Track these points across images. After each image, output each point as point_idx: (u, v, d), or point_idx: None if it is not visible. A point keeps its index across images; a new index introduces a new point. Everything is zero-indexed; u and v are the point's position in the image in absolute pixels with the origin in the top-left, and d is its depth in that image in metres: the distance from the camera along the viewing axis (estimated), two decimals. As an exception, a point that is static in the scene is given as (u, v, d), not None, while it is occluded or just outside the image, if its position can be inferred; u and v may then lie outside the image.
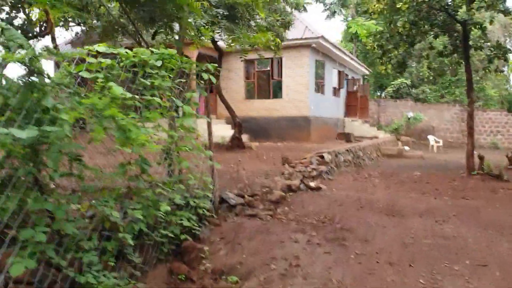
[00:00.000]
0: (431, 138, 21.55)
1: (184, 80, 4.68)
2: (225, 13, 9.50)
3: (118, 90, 3.23)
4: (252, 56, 12.41)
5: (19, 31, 14.97)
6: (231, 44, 10.78)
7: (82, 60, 3.35)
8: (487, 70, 12.79)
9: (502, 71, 17.06)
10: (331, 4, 33.22)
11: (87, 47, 3.45)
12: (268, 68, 17.37)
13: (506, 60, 12.33)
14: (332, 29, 73.89)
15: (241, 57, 11.50)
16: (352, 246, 4.89)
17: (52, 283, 2.93)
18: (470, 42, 12.22)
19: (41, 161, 3.16)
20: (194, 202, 4.83)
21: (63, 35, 51.76)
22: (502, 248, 4.93)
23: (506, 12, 11.35)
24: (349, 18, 33.17)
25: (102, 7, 8.62)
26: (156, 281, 3.77)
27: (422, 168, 12.85)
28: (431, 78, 29.31)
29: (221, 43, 12.59)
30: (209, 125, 5.66)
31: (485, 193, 8.72)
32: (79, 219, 3.35)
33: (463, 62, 12.37)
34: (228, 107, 13.19)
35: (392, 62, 13.26)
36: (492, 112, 24.75)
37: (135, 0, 6.64)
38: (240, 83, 17.44)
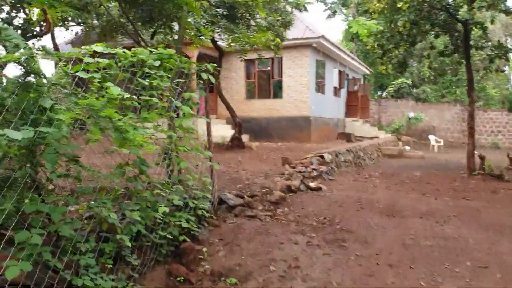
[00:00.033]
0: (432, 138, 21.51)
1: (183, 80, 4.65)
2: (224, 12, 9.48)
3: (115, 90, 3.21)
4: (252, 56, 12.38)
5: (19, 31, 14.96)
6: (231, 44, 10.76)
7: (81, 60, 3.32)
8: (488, 70, 12.73)
9: (503, 71, 17.01)
10: (331, 3, 33.21)
11: (84, 47, 3.42)
12: (269, 68, 17.33)
13: (507, 59, 12.28)
14: (333, 29, 73.84)
15: (240, 57, 11.48)
16: (352, 247, 4.86)
17: (48, 286, 2.90)
18: (471, 42, 12.18)
19: (38, 162, 3.13)
20: (193, 203, 4.80)
21: (64, 35, 51.80)
22: (503, 249, 4.90)
23: (507, 12, 11.30)
24: (350, 18, 33.14)
25: (101, 6, 8.60)
26: (154, 283, 3.74)
27: (422, 168, 12.81)
28: (432, 77, 29.28)
29: (221, 43, 12.57)
30: (208, 125, 5.63)
31: (486, 193, 8.68)
32: (76, 220, 3.32)
33: (464, 62, 12.34)
34: (228, 107, 13.17)
35: (392, 62, 13.24)
36: (493, 112, 24.69)
37: (134, -1, 6.63)
38: (240, 83, 17.42)
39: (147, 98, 3.85)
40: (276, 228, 5.38)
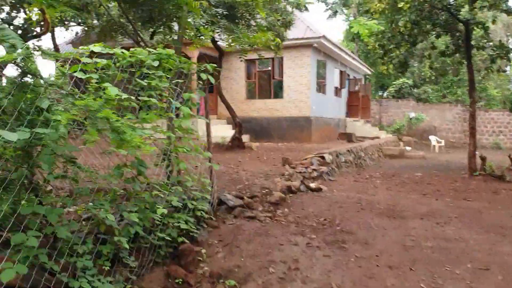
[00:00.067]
0: (433, 138, 21.46)
1: (182, 81, 4.62)
2: (224, 12, 9.45)
3: (113, 91, 3.18)
4: (253, 56, 12.35)
5: (19, 31, 14.91)
6: (231, 44, 10.73)
7: (80, 61, 3.29)
8: (489, 70, 12.69)
9: (505, 71, 16.92)
10: (332, 3, 33.19)
11: (82, 47, 3.40)
12: (269, 68, 17.31)
13: (508, 60, 12.21)
14: (334, 29, 73.88)
15: (240, 57, 11.45)
16: (352, 249, 4.82)
17: (45, 288, 2.87)
18: (473, 42, 12.14)
19: (35, 163, 3.10)
20: (192, 204, 4.77)
21: (64, 35, 51.82)
22: (504, 251, 4.86)
23: (509, 12, 11.25)
24: (351, 18, 33.10)
25: (101, 6, 8.58)
26: (152, 285, 3.72)
27: (423, 169, 12.77)
28: (433, 78, 29.25)
29: (221, 43, 12.54)
30: (207, 125, 5.60)
31: (487, 194, 8.64)
32: (74, 222, 3.29)
33: (465, 62, 12.30)
34: (228, 107, 13.14)
35: (393, 62, 13.20)
36: (494, 112, 24.63)
37: (134, -1, 6.61)
38: (241, 83, 17.39)
39: (146, 98, 3.83)
40: (276, 229, 5.35)
